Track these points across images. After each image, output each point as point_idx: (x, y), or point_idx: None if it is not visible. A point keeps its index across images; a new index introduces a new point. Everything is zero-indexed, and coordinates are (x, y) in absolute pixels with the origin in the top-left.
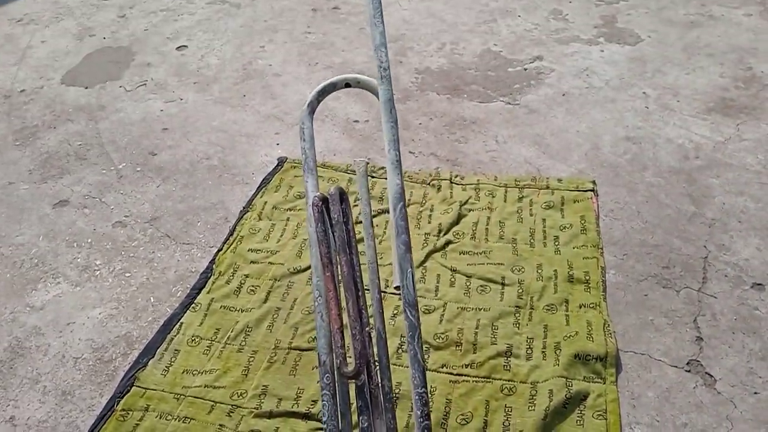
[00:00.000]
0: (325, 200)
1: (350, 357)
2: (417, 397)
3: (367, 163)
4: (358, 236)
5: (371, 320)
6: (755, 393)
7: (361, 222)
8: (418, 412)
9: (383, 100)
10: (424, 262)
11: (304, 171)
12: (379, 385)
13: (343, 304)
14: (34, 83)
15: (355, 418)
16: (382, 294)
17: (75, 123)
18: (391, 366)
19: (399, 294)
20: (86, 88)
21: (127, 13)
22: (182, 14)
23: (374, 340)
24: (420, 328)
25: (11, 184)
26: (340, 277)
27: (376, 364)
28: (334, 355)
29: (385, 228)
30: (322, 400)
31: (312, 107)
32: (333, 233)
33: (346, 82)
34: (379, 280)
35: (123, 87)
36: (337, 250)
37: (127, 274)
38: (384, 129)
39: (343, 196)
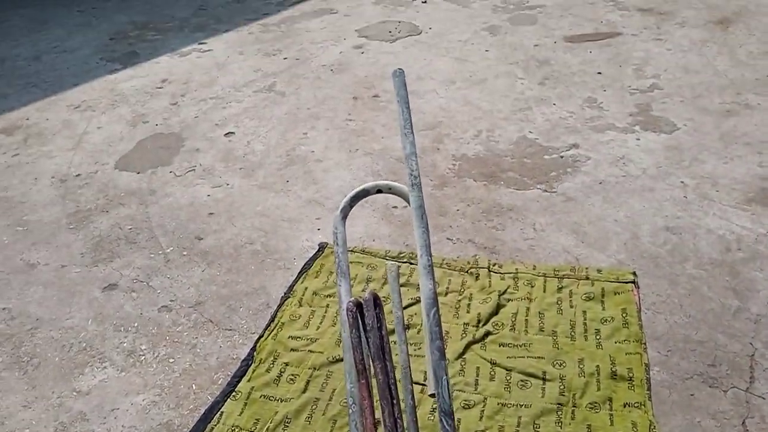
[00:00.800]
0: (359, 305)
1: None
2: None
3: (399, 267)
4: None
5: (406, 429)
6: None
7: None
8: None
9: (414, 207)
10: (463, 353)
11: (337, 275)
12: None
13: (377, 412)
14: (89, 168)
15: None
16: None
17: (126, 207)
18: None
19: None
20: (138, 173)
21: (179, 101)
22: (230, 102)
23: None
24: None
25: (63, 267)
26: (373, 384)
27: None
28: None
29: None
30: None
31: (345, 213)
32: (367, 339)
33: (378, 188)
34: (412, 386)
35: (173, 172)
36: (371, 356)
37: (171, 360)
38: (416, 234)
39: (377, 301)
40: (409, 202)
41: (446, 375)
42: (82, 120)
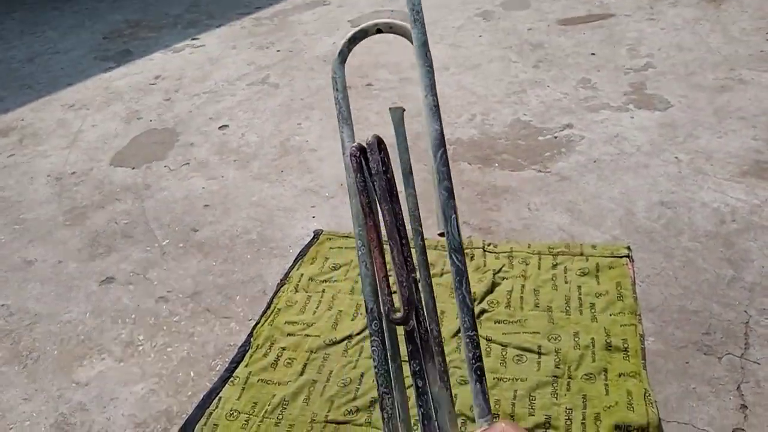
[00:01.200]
0: (362, 150)
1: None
2: (468, 340)
3: (404, 110)
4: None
5: (416, 267)
6: None
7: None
8: (470, 355)
9: (417, 45)
10: (458, 332)
11: (339, 121)
12: (428, 329)
13: (387, 254)
14: (85, 165)
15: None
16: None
17: (122, 202)
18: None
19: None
20: (133, 168)
21: (173, 97)
22: (224, 95)
23: (420, 287)
24: (467, 272)
25: (60, 263)
26: (382, 227)
27: (423, 310)
28: (381, 302)
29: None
30: (372, 347)
31: (343, 56)
32: (373, 183)
33: (378, 28)
34: (422, 228)
35: (167, 166)
36: (378, 199)
37: (169, 349)
38: (420, 74)
39: (381, 145)
40: (411, 40)
41: (455, 213)
42: (77, 119)
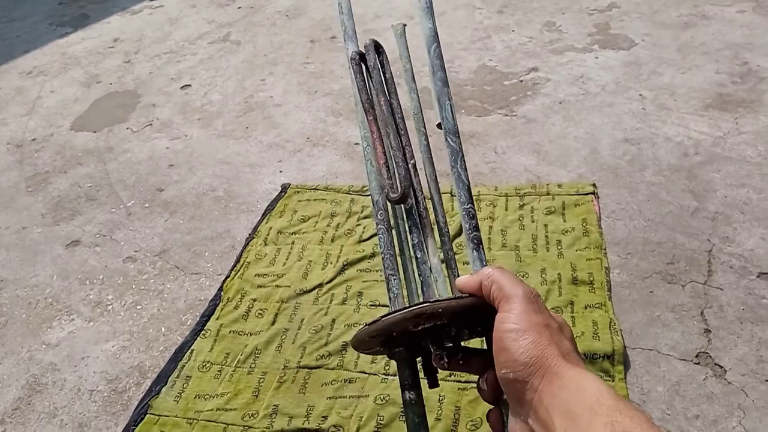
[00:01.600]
0: (361, 55)
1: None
2: (464, 213)
3: (405, 25)
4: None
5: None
6: (766, 380)
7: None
8: (467, 225)
9: None
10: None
11: (344, 39)
12: (426, 207)
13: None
14: (45, 131)
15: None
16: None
17: (84, 166)
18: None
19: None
20: (95, 132)
21: (132, 59)
22: (185, 55)
23: (421, 172)
24: (462, 152)
25: (24, 228)
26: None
27: (422, 192)
28: (384, 191)
29: None
30: (378, 234)
31: None
32: (371, 81)
33: None
34: (425, 129)
35: (130, 128)
36: (376, 92)
37: (138, 307)
38: None
39: (379, 48)
40: None
41: (449, 100)
42: (35, 85)
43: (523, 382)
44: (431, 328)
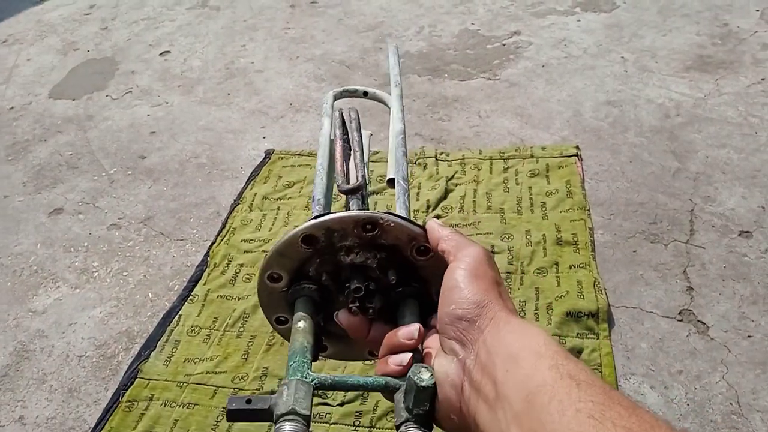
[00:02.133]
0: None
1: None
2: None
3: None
4: None
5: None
6: (748, 336)
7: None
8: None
9: None
10: None
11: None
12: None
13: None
14: (23, 100)
15: None
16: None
17: (65, 134)
18: None
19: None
20: (73, 100)
21: (109, 25)
22: (163, 21)
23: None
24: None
25: (6, 197)
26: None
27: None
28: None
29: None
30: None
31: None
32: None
33: None
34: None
35: (109, 96)
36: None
37: (125, 273)
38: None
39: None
40: None
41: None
42: (11, 54)
43: (470, 320)
44: (360, 266)
